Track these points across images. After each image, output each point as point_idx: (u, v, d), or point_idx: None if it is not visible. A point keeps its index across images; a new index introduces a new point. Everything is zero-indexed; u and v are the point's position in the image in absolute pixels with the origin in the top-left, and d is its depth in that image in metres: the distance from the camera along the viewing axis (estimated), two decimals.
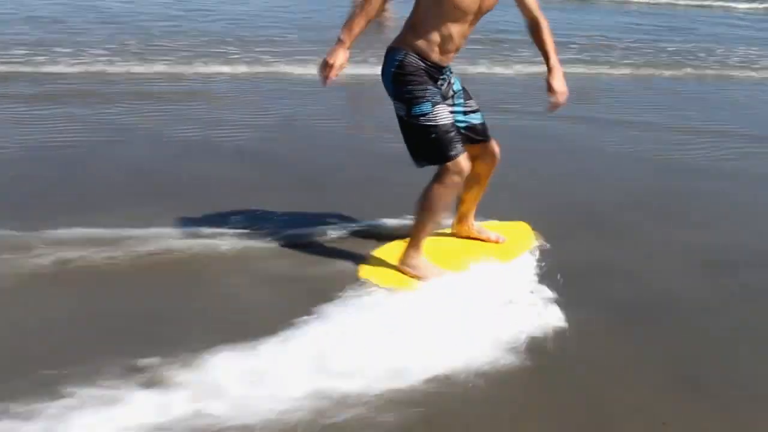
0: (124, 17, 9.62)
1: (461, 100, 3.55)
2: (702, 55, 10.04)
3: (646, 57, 9.56)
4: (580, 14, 13.54)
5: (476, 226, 3.90)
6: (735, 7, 15.71)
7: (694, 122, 6.70)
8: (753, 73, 9.23)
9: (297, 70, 7.48)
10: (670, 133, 6.28)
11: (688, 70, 9.05)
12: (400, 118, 3.39)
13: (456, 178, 3.36)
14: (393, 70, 3.33)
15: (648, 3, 15.50)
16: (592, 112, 6.68)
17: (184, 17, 10.02)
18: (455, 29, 3.30)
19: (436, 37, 3.31)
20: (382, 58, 3.36)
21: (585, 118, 6.41)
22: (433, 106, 3.33)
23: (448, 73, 3.47)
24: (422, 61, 3.33)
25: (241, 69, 7.44)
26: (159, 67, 7.28)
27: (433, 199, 3.40)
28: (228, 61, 7.64)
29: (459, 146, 3.35)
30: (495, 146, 3.62)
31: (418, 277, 3.45)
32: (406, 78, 3.32)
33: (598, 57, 9.26)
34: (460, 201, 3.75)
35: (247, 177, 4.63)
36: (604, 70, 8.62)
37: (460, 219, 3.88)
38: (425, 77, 3.35)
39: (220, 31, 9.25)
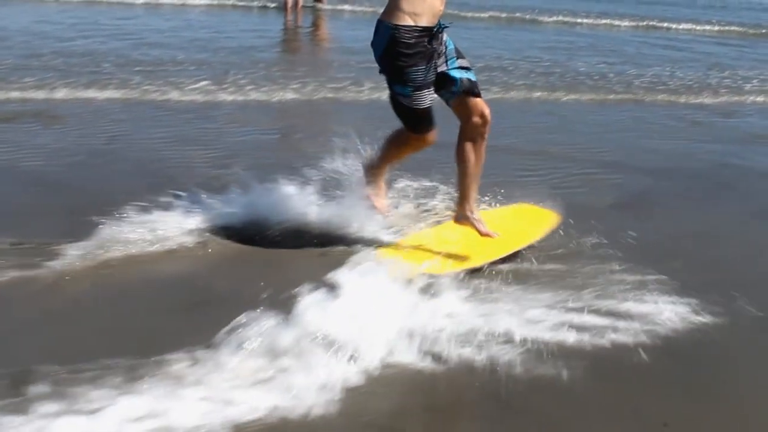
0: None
1: (454, 57, 3.70)
2: (611, 75, 9.80)
3: (549, 78, 9.33)
4: (514, 33, 13.40)
5: (476, 214, 3.95)
6: (675, 28, 15.54)
7: (556, 147, 6.45)
8: (664, 96, 8.96)
9: (156, 94, 7.27)
10: (520, 158, 6.03)
11: (587, 92, 8.80)
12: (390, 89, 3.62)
13: (419, 144, 3.82)
14: (385, 45, 3.48)
15: (591, 24, 15.33)
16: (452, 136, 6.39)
17: (86, 35, 9.91)
18: None
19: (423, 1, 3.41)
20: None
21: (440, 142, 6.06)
22: (413, 90, 3.54)
23: (438, 31, 3.57)
24: (415, 30, 3.44)
25: (102, 93, 7.20)
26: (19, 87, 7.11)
27: (401, 143, 3.91)
28: (92, 83, 7.41)
29: (427, 125, 3.72)
30: (485, 106, 3.79)
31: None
32: (396, 55, 3.48)
33: (495, 77, 9.03)
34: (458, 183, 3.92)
35: (25, 201, 4.47)
36: (494, 92, 8.35)
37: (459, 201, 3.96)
38: (417, 50, 3.48)
39: (110, 50, 9.04)
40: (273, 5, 14.87)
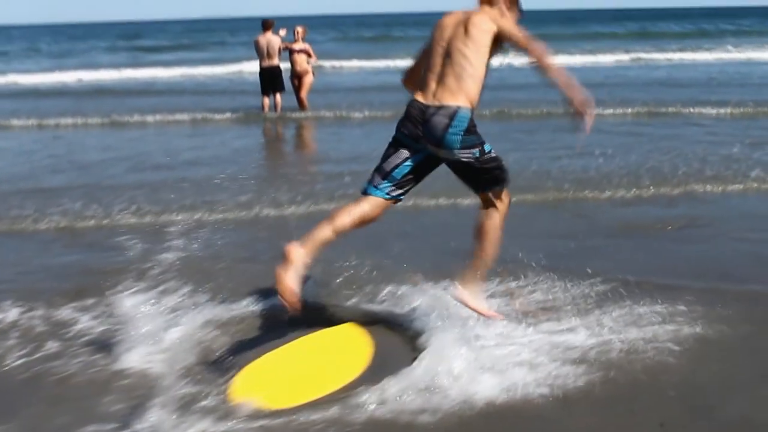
0: None
1: None
2: (534, 168, 9.37)
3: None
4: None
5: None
6: (673, 112, 14.89)
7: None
8: (571, 190, 8.44)
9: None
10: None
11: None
12: (470, 165, 4.04)
13: (508, 200, 4.31)
14: (467, 125, 3.97)
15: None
16: None
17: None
18: None
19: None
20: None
21: None
22: (490, 146, 4.10)
23: None
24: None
25: None
26: None
27: (498, 228, 4.28)
28: None
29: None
30: None
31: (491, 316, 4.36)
32: (475, 129, 4.03)
33: None
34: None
35: None
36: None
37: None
38: None
39: (19, 174, 9.48)
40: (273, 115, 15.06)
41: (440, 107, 3.95)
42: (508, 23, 4.08)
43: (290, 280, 3.90)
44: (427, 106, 4.00)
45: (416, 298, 5.09)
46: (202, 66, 27.35)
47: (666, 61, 28.40)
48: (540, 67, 3.99)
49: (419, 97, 4.06)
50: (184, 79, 24.10)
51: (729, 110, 14.52)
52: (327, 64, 27.04)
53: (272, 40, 15.11)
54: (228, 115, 15.30)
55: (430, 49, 4.15)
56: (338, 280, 5.53)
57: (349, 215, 4.06)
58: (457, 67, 3.96)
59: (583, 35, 47.40)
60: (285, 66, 15.39)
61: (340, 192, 8.04)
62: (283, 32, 15.42)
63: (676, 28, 56.33)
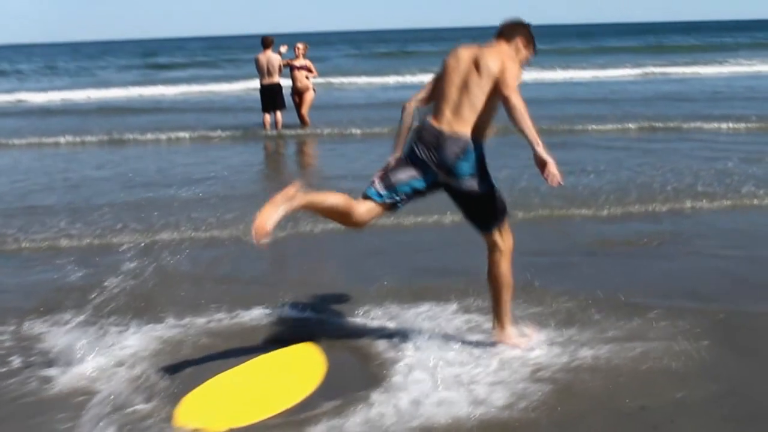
0: None
1: None
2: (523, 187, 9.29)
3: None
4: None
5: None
6: (679, 127, 14.79)
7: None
8: (556, 207, 8.39)
9: None
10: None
11: None
12: (476, 195, 4.21)
13: (510, 238, 4.43)
14: (478, 155, 4.17)
15: (597, 130, 14.72)
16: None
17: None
18: None
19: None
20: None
21: None
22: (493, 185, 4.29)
23: None
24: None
25: None
26: None
27: (508, 272, 4.45)
28: None
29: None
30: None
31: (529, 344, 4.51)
32: (484, 161, 4.22)
33: None
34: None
35: None
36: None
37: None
38: None
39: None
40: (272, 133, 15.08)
41: (454, 136, 4.11)
42: (512, 68, 4.17)
43: (271, 217, 3.85)
44: (441, 131, 4.13)
45: (384, 317, 5.07)
46: (210, 83, 27.52)
47: (676, 74, 28.22)
48: (513, 120, 4.06)
49: (433, 122, 4.18)
50: (190, 97, 24.28)
51: (730, 125, 14.36)
52: (335, 80, 27.11)
53: (272, 57, 15.18)
54: (229, 132, 15.33)
55: (444, 77, 4.28)
56: (309, 297, 5.54)
57: (344, 204, 4.09)
58: (473, 98, 4.14)
59: (599, 49, 47.42)
60: (287, 83, 15.41)
61: None
62: (284, 49, 15.48)
63: (690, 41, 56.06)
